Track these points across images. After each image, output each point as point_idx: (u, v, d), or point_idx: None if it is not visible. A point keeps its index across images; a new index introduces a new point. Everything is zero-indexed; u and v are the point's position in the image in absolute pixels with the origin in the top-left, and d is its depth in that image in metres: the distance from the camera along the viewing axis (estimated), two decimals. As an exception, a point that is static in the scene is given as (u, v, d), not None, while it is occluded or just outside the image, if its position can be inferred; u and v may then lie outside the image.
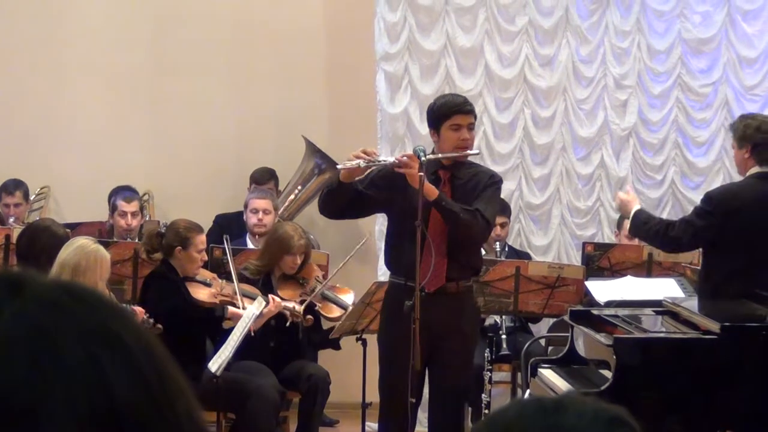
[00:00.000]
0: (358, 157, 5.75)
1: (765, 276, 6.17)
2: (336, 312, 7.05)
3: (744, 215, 6.21)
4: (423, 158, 5.77)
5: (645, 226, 6.46)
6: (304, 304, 6.94)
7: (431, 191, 5.77)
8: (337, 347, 7.30)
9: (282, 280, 7.05)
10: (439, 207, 5.79)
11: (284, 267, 7.04)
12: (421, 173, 5.71)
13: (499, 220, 7.94)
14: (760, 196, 6.28)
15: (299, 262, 7.03)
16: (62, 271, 5.79)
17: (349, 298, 7.15)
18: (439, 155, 5.92)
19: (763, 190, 6.31)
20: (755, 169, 6.35)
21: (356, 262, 8.32)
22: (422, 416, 6.95)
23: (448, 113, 5.96)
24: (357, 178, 5.84)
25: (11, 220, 8.39)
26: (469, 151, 6.02)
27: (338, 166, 5.84)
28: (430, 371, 6.09)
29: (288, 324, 6.88)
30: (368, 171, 5.83)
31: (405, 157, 5.78)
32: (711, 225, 6.22)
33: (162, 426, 0.91)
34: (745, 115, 6.79)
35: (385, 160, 5.84)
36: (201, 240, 6.73)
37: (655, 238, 6.47)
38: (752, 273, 6.14)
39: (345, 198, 5.89)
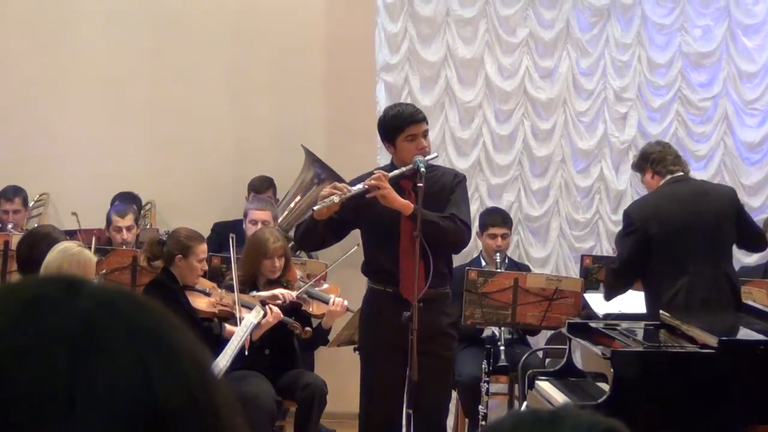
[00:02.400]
0: (330, 194, 5.80)
1: (704, 270, 6.39)
2: (320, 308, 7.05)
3: (662, 217, 6.38)
4: (423, 169, 5.80)
5: (607, 280, 6.85)
6: (293, 296, 6.95)
7: (406, 206, 5.81)
8: (325, 342, 7.27)
9: (267, 287, 7.04)
10: (416, 220, 5.80)
11: (265, 272, 7.02)
12: (420, 184, 5.75)
13: (501, 231, 7.94)
14: (674, 196, 6.53)
15: (279, 265, 7.00)
16: (47, 273, 5.79)
17: (333, 295, 7.13)
18: (404, 169, 5.90)
19: (674, 191, 6.55)
20: (663, 181, 6.64)
21: (352, 270, 8.31)
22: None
23: (401, 125, 5.96)
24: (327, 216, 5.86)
25: (10, 226, 8.39)
26: (429, 157, 6.00)
27: (314, 208, 5.86)
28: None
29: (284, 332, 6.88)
30: (338, 208, 5.83)
31: (372, 181, 5.81)
32: (637, 238, 6.38)
33: (203, 430, 0.92)
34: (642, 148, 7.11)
35: (357, 190, 5.84)
36: (202, 249, 6.72)
37: (613, 282, 6.74)
38: (688, 270, 6.32)
39: (320, 231, 5.96)
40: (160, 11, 9.08)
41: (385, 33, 8.77)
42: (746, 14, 8.80)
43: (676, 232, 6.41)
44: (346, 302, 7.08)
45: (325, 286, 7.23)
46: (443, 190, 6.02)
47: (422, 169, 5.80)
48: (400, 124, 5.97)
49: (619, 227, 8.37)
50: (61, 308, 0.91)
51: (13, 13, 9.07)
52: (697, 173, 8.76)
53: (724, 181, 8.63)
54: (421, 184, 5.75)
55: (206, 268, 6.83)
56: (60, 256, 5.84)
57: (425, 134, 6.03)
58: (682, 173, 6.66)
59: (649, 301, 6.48)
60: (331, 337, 7.29)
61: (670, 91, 8.82)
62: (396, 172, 5.90)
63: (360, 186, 5.86)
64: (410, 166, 5.90)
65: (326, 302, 7.04)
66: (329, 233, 6.04)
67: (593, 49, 8.80)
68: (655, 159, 6.65)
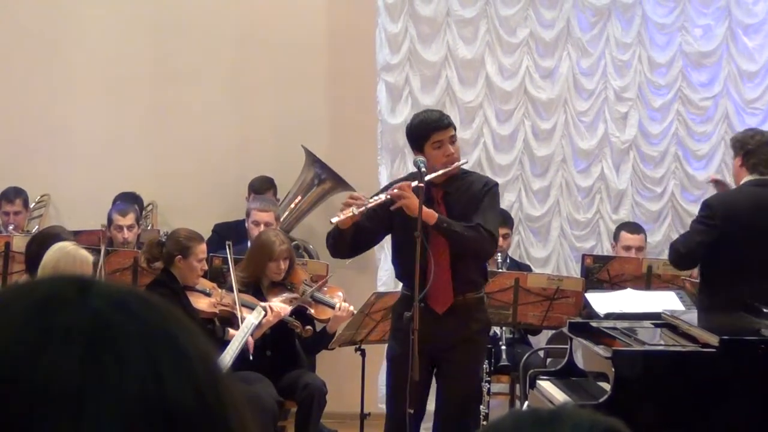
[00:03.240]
0: (348, 205, 5.76)
1: (764, 281, 6.28)
2: (326, 314, 7.04)
3: (743, 220, 6.28)
4: (423, 169, 5.78)
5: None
6: (294, 305, 6.94)
7: (430, 216, 5.75)
8: (327, 346, 7.24)
9: (271, 288, 7.03)
10: (440, 230, 5.78)
11: (270, 274, 7.01)
12: (422, 184, 5.74)
13: (502, 231, 7.91)
14: (757, 201, 6.39)
15: (284, 267, 7.00)
16: (44, 272, 5.81)
17: (338, 298, 7.12)
18: (432, 174, 5.84)
19: (759, 195, 6.42)
20: (748, 177, 6.47)
21: (355, 272, 8.33)
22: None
23: (427, 133, 5.91)
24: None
25: (10, 227, 8.39)
26: (457, 164, 5.97)
27: (332, 220, 5.82)
28: (437, 383, 6.10)
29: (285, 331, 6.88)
30: (364, 212, 5.79)
31: (396, 190, 5.77)
32: (712, 232, 6.28)
33: None
34: (748, 129, 6.89)
35: (377, 199, 5.81)
36: (201, 249, 6.73)
37: (675, 244, 6.63)
38: (751, 279, 6.22)
39: (349, 238, 5.88)
40: (162, 14, 9.08)
41: (386, 33, 8.77)
42: (747, 14, 8.79)
43: (752, 236, 6.34)
44: (351, 307, 7.05)
45: (337, 294, 7.19)
46: (473, 197, 5.95)
47: (423, 169, 5.78)
48: (425, 132, 5.92)
49: (619, 223, 8.43)
50: (73, 307, 0.91)
51: (18, 15, 9.07)
52: (698, 173, 8.78)
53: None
54: (422, 185, 5.74)
55: (206, 268, 6.84)
56: (56, 255, 5.86)
57: (452, 140, 5.96)
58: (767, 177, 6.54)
59: (706, 297, 6.40)
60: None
61: (671, 91, 8.82)
62: (429, 176, 5.80)
63: (382, 196, 5.82)
64: (439, 172, 5.85)
65: (332, 307, 7.02)
66: (358, 243, 5.98)
67: (594, 48, 8.80)
68: (750, 150, 6.50)
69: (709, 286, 6.44)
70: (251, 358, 6.56)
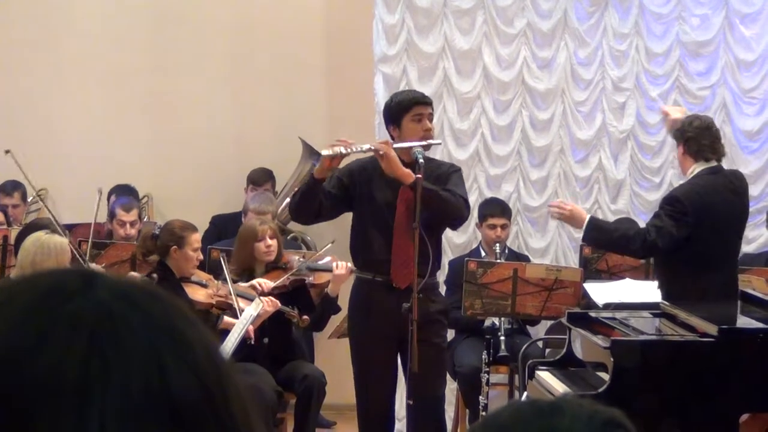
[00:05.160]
0: (336, 145, 5.88)
1: (732, 266, 6.44)
2: (324, 277, 7.06)
3: (711, 212, 6.32)
4: (420, 159, 5.86)
5: (610, 230, 6.58)
6: (292, 281, 6.96)
7: (407, 175, 5.88)
8: (336, 310, 7.22)
9: (265, 273, 7.03)
10: (423, 188, 5.85)
11: (260, 256, 7.00)
12: (419, 176, 5.79)
13: (500, 221, 7.95)
14: (717, 189, 6.42)
15: (272, 243, 6.99)
16: (22, 268, 5.80)
17: (329, 260, 7.14)
18: (406, 143, 5.99)
19: (716, 183, 6.45)
20: (695, 166, 6.48)
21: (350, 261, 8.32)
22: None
23: (409, 105, 6.07)
24: (328, 174, 5.95)
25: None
26: (432, 141, 6.12)
27: (323, 152, 5.92)
28: (405, 366, 6.11)
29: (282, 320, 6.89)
30: (338, 164, 5.96)
31: (380, 144, 5.96)
32: (687, 227, 6.28)
33: (217, 425, 0.92)
34: (688, 116, 6.91)
35: (362, 147, 5.96)
36: (196, 238, 6.74)
37: (623, 240, 6.46)
38: (718, 268, 6.28)
39: (317, 199, 6.00)
40: (159, 4, 9.07)
41: (383, 24, 8.76)
42: (744, 3, 8.79)
43: (721, 229, 6.34)
44: (349, 264, 7.07)
45: (328, 258, 7.18)
46: (439, 179, 6.08)
47: (420, 161, 5.84)
48: (408, 104, 6.08)
49: (619, 216, 8.42)
50: (78, 299, 0.92)
51: (13, 5, 9.05)
52: (696, 162, 8.77)
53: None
54: (420, 175, 5.79)
55: (201, 257, 6.84)
56: (31, 248, 5.85)
57: (431, 118, 6.14)
58: (716, 163, 6.55)
59: (670, 290, 6.39)
60: (331, 327, 7.29)
61: (669, 81, 8.82)
62: (401, 144, 5.96)
63: (367, 145, 5.96)
64: (418, 142, 5.98)
65: (329, 270, 7.03)
66: (321, 208, 6.05)
67: (591, 38, 8.80)
68: (690, 138, 6.51)
69: (677, 277, 6.41)
70: (252, 343, 6.56)
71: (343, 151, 5.85)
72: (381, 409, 6.14)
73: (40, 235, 6.00)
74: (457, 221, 6.26)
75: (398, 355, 6.12)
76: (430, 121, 6.12)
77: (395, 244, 5.98)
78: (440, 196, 5.93)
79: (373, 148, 5.93)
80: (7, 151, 7.83)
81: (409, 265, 5.92)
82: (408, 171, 5.87)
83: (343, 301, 7.09)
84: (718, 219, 6.33)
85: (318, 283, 7.10)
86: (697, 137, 6.49)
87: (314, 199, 6.02)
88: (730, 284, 6.40)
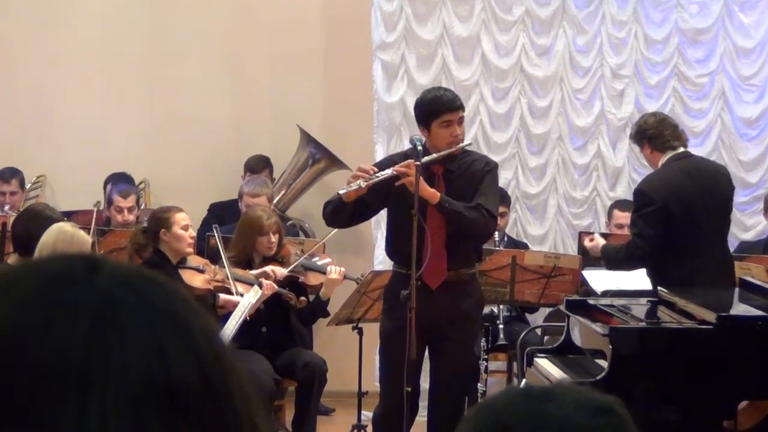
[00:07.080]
0: (356, 178, 5.80)
1: (714, 251, 6.43)
2: (318, 279, 7.06)
3: (680, 196, 6.39)
4: (419, 146, 5.81)
5: (616, 255, 6.67)
6: (289, 270, 6.96)
7: (432, 195, 5.79)
8: (325, 314, 7.24)
9: (262, 264, 7.04)
10: (443, 210, 5.81)
11: (261, 249, 7.02)
12: (418, 163, 5.75)
13: (499, 209, 7.94)
14: (685, 173, 6.49)
15: (274, 240, 7.01)
16: (42, 253, 5.79)
17: (326, 262, 7.15)
18: (434, 156, 5.89)
19: (683, 168, 6.52)
20: (669, 155, 6.58)
21: (351, 253, 8.34)
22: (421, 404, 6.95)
23: (438, 111, 5.94)
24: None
25: (6, 207, 8.39)
26: (461, 145, 6.01)
27: (340, 192, 5.85)
28: (431, 360, 6.11)
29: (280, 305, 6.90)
30: (370, 186, 5.81)
31: (402, 168, 5.79)
32: (660, 218, 6.33)
33: (216, 411, 0.93)
34: (641, 117, 7.17)
35: (384, 175, 5.81)
36: (182, 217, 6.74)
37: (627, 260, 6.59)
38: (698, 254, 6.31)
39: (348, 212, 5.95)
40: (155, -9, 9.05)
41: (381, 12, 8.75)
42: (743, -10, 8.78)
43: (693, 211, 6.38)
44: (343, 269, 7.08)
45: (327, 260, 7.21)
46: (473, 176, 5.99)
47: (419, 148, 5.82)
48: (437, 109, 5.95)
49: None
50: (81, 285, 0.93)
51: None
52: (695, 149, 8.74)
53: (721, 157, 8.62)
54: (418, 163, 5.75)
55: (194, 235, 6.83)
56: (55, 236, 5.85)
57: (460, 121, 6.00)
58: (683, 149, 6.63)
59: (656, 279, 6.42)
60: (330, 312, 7.28)
61: (667, 68, 8.81)
62: (428, 158, 5.87)
63: (388, 171, 5.83)
64: (443, 152, 5.90)
65: (323, 272, 7.04)
66: (355, 215, 6.03)
67: (590, 26, 8.78)
68: (652, 135, 6.62)
69: (660, 264, 6.43)
70: (247, 318, 6.57)
71: (362, 185, 5.74)
72: (399, 400, 5.99)
73: (65, 226, 5.99)
74: (481, 238, 6.19)
75: (426, 346, 6.07)
76: (460, 124, 5.98)
77: (429, 250, 5.81)
78: (465, 218, 5.83)
79: (395, 173, 5.79)
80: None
81: (440, 267, 5.88)
82: (433, 191, 5.79)
83: (333, 308, 7.13)
84: (685, 202, 6.38)
85: (310, 284, 7.10)
86: (659, 131, 6.60)
87: (344, 215, 5.99)
88: (716, 271, 6.40)
